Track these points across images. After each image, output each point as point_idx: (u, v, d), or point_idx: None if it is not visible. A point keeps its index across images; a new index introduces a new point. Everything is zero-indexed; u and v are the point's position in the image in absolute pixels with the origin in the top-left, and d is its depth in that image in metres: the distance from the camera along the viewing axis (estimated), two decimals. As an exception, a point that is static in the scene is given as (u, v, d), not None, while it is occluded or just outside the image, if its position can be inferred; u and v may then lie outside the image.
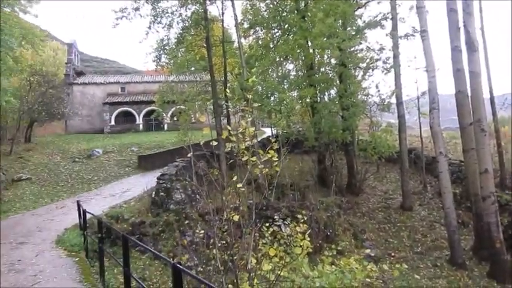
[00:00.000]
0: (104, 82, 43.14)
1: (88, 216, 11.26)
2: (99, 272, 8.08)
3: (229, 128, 4.95)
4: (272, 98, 20.15)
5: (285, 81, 22.05)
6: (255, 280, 4.54)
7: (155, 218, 15.13)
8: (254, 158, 4.62)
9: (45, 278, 7.92)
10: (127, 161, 26.49)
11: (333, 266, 5.99)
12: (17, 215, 16.56)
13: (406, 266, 10.82)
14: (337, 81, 19.63)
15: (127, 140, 32.30)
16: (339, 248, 12.40)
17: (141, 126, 40.31)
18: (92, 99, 41.77)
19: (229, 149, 5.06)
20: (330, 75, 20.04)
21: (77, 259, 9.41)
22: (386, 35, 18.69)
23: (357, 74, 19.85)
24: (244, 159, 4.64)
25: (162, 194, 15.75)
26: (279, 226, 13.80)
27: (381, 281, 10.61)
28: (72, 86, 41.45)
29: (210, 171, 5.50)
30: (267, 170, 5.01)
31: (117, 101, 41.02)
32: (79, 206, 12.73)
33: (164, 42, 20.52)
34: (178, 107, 22.93)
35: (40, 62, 35.41)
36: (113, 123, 40.17)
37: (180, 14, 20.05)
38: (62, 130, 40.27)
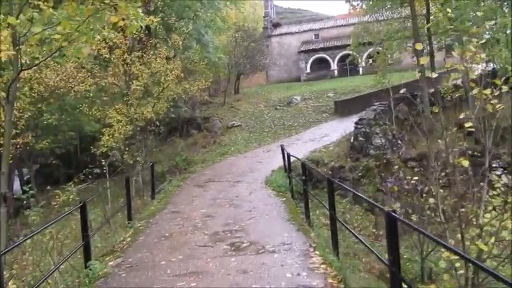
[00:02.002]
0: (298, 31, 44.22)
1: (291, 159, 11.87)
2: (305, 212, 8.41)
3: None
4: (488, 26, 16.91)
5: (505, 3, 18.14)
6: (492, 239, 3.85)
7: (354, 163, 15.00)
8: (488, 91, 3.77)
9: (258, 214, 8.71)
10: (323, 107, 26.92)
11: None
12: (232, 157, 18.87)
13: None
14: None
15: (323, 86, 32.73)
16: None
17: (335, 72, 40.20)
18: (288, 49, 43.51)
19: (453, 81, 4.29)
20: None
21: (284, 199, 10.06)
22: None
23: None
24: (474, 92, 3.84)
25: (360, 139, 15.42)
26: (499, 176, 11.93)
27: None
28: (270, 38, 43.85)
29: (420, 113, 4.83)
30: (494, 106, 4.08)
31: (311, 48, 41.69)
32: (283, 150, 13.53)
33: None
34: (374, 48, 21.69)
35: (242, 18, 38.33)
36: (308, 70, 41.21)
37: None
38: (263, 80, 43.51)
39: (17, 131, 15.06)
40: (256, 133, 23.79)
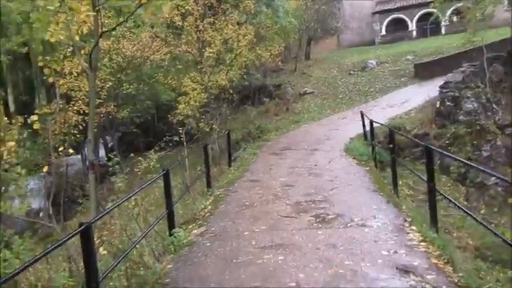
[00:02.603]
0: (373, -10, 41.39)
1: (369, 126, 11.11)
2: (392, 182, 7.77)
3: None
4: None
5: None
6: None
7: (440, 130, 13.83)
8: None
9: (341, 183, 8.22)
10: (402, 71, 25.14)
11: None
12: (306, 125, 18.36)
13: None
14: None
15: (400, 49, 30.55)
16: None
17: (414, 32, 37.29)
18: (361, 11, 41.03)
19: None
20: None
21: (367, 168, 9.45)
22: None
23: None
24: None
25: (448, 103, 14.10)
26: None
27: None
28: (342, 0, 41.60)
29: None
30: None
31: (386, 8, 38.93)
32: (362, 116, 12.75)
33: None
34: (461, 3, 19.55)
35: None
36: (383, 32, 38.68)
37: None
38: (335, 45, 41.72)
39: (100, 101, 15.75)
40: (329, 100, 22.92)
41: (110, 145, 22.39)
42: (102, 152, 22.65)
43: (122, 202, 4.95)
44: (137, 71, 19.09)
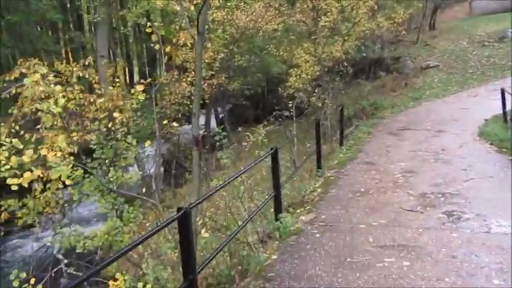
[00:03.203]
0: None
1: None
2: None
3: None
4: None
5: None
6: None
7: None
8: None
9: (478, 175, 6.88)
10: (552, 42, 21.14)
11: None
12: (427, 102, 16.44)
13: None
14: None
15: (550, 15, 25.74)
16: None
17: None
18: (501, -28, 35.50)
19: None
20: None
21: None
22: None
23: None
24: None
25: None
26: None
27: None
28: (478, -41, 36.36)
29: None
30: None
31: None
32: (503, 93, 10.76)
33: None
34: None
35: None
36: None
37: None
38: (465, 14, 36.96)
39: (212, 72, 15.88)
40: (457, 75, 20.26)
41: (220, 116, 22.89)
42: (213, 123, 23.32)
43: (225, 185, 4.52)
44: (249, 42, 18.89)
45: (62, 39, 28.38)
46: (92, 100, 8.44)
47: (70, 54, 26.96)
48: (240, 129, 19.35)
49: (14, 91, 8.45)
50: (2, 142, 5.14)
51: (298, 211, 5.84)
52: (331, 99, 13.58)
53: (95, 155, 5.89)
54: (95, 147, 6.04)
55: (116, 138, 6.20)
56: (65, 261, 5.74)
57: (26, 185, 5.14)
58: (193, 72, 14.66)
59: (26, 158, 5.62)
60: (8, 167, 4.93)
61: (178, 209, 3.01)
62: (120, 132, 6.32)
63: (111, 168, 5.91)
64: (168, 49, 10.10)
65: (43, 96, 8.83)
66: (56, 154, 5.71)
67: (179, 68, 15.56)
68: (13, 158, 5.03)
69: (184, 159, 17.30)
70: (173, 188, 14.42)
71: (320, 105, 12.81)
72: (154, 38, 6.68)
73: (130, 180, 5.91)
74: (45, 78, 8.94)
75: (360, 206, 5.81)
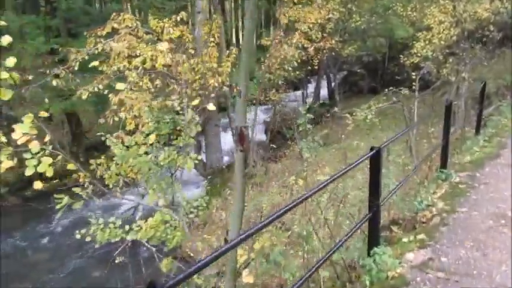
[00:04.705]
0: None
1: None
2: None
3: None
4: None
5: None
6: None
7: None
8: None
9: None
10: None
11: None
12: None
13: None
14: None
15: None
16: None
17: None
18: None
19: None
20: None
21: None
22: None
23: None
24: None
25: None
26: None
27: None
28: None
29: None
30: None
31: None
32: None
33: None
34: None
35: None
36: None
37: None
38: None
39: (324, 34, 13.98)
40: None
41: (332, 85, 20.82)
42: (323, 92, 21.41)
43: (301, 202, 2.85)
44: (372, 1, 16.38)
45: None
46: (181, 61, 7.44)
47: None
48: (353, 100, 17.24)
49: (101, 48, 7.80)
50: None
51: (405, 240, 3.96)
52: (468, 71, 10.76)
53: (145, 130, 4.77)
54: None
55: (176, 111, 4.98)
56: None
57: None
58: (301, 33, 13.00)
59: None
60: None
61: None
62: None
63: (166, 148, 4.75)
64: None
65: (131, 54, 8.08)
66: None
67: (289, 29, 13.92)
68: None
69: (286, 129, 15.98)
70: (267, 161, 13.18)
71: (453, 79, 10.16)
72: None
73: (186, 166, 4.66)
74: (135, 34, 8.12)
75: (508, 247, 3.72)
